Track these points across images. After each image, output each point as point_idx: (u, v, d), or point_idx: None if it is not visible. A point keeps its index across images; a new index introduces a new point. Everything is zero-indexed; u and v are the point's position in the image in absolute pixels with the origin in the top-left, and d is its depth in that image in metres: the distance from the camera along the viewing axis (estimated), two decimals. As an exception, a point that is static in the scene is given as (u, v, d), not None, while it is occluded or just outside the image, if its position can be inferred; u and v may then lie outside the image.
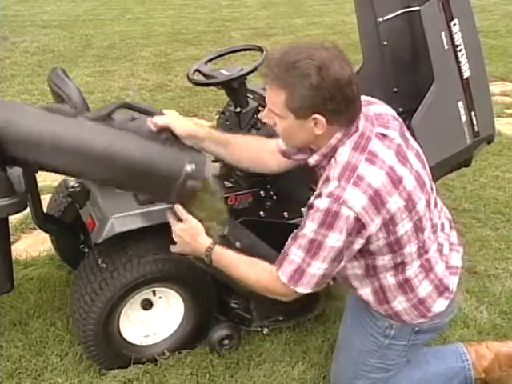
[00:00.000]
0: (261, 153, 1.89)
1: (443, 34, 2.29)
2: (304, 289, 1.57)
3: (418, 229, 1.60)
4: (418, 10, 2.28)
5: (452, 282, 1.76)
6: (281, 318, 2.24)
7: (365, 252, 1.59)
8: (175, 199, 1.73)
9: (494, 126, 2.61)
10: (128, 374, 2.05)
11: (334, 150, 1.55)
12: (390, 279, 1.65)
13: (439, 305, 1.73)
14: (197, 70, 2.45)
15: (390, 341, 1.78)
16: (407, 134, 1.67)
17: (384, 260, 1.61)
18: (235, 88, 2.33)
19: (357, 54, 2.58)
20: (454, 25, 2.30)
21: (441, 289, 1.72)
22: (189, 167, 1.69)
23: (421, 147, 1.71)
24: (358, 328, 1.83)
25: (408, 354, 1.84)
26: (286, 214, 2.38)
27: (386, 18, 2.39)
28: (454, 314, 1.87)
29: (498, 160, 4.02)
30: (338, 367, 1.94)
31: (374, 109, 1.66)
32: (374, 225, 1.49)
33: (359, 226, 1.48)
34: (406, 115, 2.23)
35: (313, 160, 1.63)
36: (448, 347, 2.09)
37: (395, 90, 2.52)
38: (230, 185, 2.46)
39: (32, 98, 5.16)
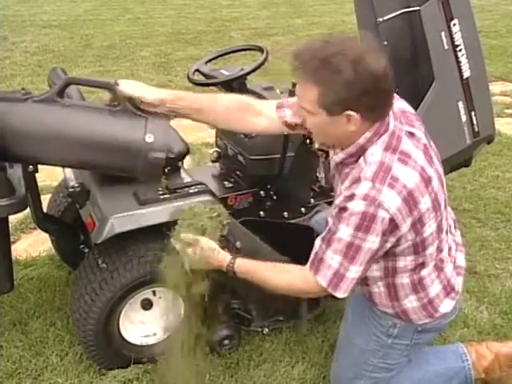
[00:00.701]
0: (245, 115, 1.77)
1: (443, 34, 2.29)
2: (342, 294, 1.55)
3: (440, 229, 1.60)
4: (418, 10, 2.29)
5: (458, 282, 1.76)
6: (281, 318, 2.24)
7: (389, 254, 1.57)
8: (142, 175, 1.68)
9: (494, 125, 2.62)
10: (128, 373, 2.05)
11: (363, 149, 1.52)
12: (405, 279, 1.65)
13: (446, 305, 1.72)
14: (197, 70, 2.45)
15: (393, 340, 1.77)
16: (427, 134, 1.66)
17: (406, 261, 1.60)
18: (235, 88, 2.33)
19: (357, 54, 2.57)
20: (454, 25, 2.30)
21: (448, 289, 1.72)
22: (148, 138, 1.62)
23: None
24: (361, 327, 1.83)
25: (410, 354, 1.84)
26: (285, 213, 2.39)
27: (385, 17, 2.39)
28: (456, 314, 1.87)
29: (498, 160, 4.02)
30: (339, 367, 1.94)
31: (398, 105, 1.62)
32: (405, 225, 1.49)
33: (392, 226, 1.47)
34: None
35: (338, 158, 1.59)
36: (448, 347, 2.08)
37: (395, 90, 2.52)
38: (230, 185, 2.47)
39: (32, 98, 5.16)
